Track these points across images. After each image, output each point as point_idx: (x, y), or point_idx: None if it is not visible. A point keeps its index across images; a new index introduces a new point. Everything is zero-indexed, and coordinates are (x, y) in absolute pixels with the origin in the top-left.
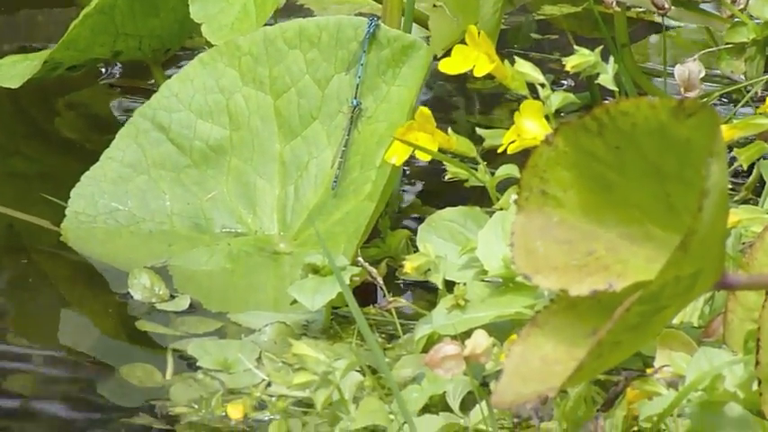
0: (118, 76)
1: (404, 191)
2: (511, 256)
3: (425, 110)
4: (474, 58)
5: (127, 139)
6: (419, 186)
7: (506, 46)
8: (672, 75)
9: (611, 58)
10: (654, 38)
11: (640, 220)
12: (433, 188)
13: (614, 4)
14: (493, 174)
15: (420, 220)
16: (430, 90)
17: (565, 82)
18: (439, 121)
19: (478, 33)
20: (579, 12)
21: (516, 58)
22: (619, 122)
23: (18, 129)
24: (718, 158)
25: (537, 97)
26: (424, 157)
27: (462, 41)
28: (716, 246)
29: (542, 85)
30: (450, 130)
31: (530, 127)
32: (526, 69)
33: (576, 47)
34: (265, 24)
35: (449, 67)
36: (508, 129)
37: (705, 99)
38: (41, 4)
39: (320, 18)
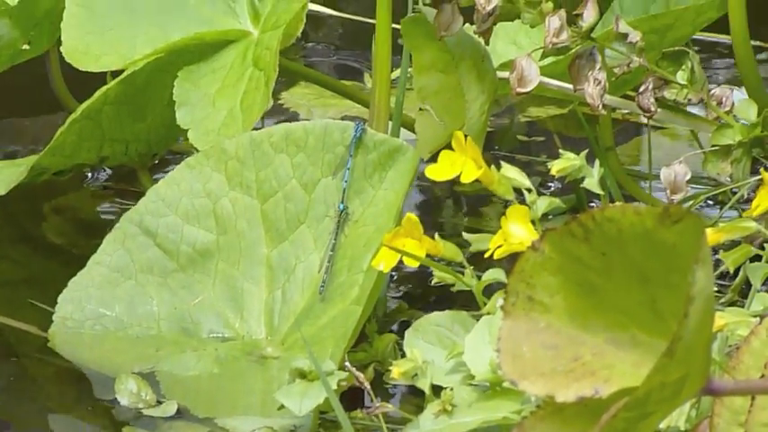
0: (105, 179)
1: (390, 295)
2: (497, 361)
3: (413, 216)
4: (461, 164)
5: (114, 244)
6: (406, 290)
7: (492, 148)
8: (658, 176)
9: (597, 162)
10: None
11: (627, 326)
12: (419, 292)
13: (600, 107)
14: (479, 278)
15: (407, 324)
16: (417, 192)
17: (552, 184)
18: (425, 224)
19: (465, 138)
20: (565, 113)
21: (503, 162)
22: (605, 228)
23: (4, 233)
24: (703, 264)
25: (523, 201)
26: (411, 263)
27: (449, 146)
28: (702, 351)
29: (528, 190)
30: (437, 235)
31: (516, 232)
32: (512, 174)
33: (561, 150)
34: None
35: (436, 173)
36: (495, 231)
37: (691, 202)
38: (28, 112)
39: (307, 122)
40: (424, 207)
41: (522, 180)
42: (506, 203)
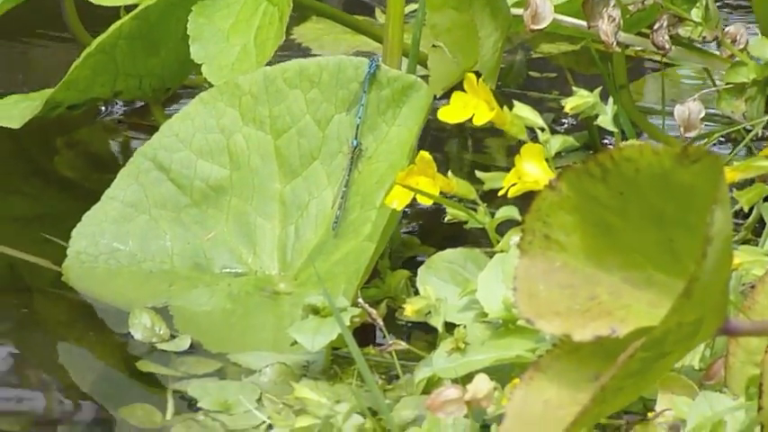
0: (118, 114)
1: (403, 231)
2: (513, 299)
3: (426, 154)
4: (473, 106)
5: (128, 179)
6: (418, 226)
7: (504, 84)
8: (670, 114)
9: (610, 99)
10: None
11: (643, 266)
12: (432, 229)
13: (614, 44)
14: (493, 215)
15: (419, 261)
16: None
17: (564, 121)
18: (436, 160)
19: (477, 79)
20: (577, 50)
21: (515, 101)
22: (622, 168)
23: (17, 168)
24: (721, 205)
25: (536, 139)
26: (425, 201)
27: (461, 85)
28: (719, 292)
29: (542, 129)
30: (449, 173)
31: (530, 170)
32: (525, 113)
33: (574, 87)
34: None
35: (448, 115)
36: (503, 166)
37: (705, 140)
38: (41, 45)
39: (321, 58)
40: (434, 143)
41: (535, 119)
42: (519, 141)
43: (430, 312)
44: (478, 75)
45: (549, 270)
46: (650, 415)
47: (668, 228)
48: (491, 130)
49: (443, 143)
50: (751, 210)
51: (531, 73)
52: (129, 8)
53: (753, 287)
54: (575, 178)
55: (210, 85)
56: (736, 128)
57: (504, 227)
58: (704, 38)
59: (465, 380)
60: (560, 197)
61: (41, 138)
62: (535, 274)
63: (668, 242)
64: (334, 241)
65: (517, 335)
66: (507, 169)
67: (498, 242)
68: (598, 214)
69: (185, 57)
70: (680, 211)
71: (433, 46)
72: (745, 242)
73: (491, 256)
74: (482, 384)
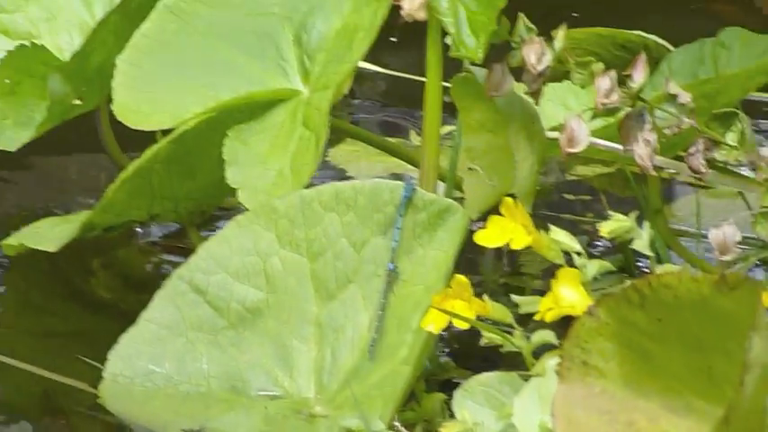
0: (154, 235)
1: (439, 354)
2: (551, 425)
3: (462, 278)
4: (511, 230)
5: (164, 301)
6: (454, 349)
7: (539, 207)
8: (706, 237)
9: (645, 223)
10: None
11: (682, 392)
12: (468, 351)
13: (650, 168)
14: (528, 339)
15: (455, 384)
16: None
17: (599, 243)
18: (471, 282)
19: (514, 203)
20: (611, 171)
21: (551, 226)
22: (661, 295)
23: (54, 289)
24: (760, 332)
25: (572, 262)
26: (460, 325)
27: (497, 208)
28: (758, 419)
29: (578, 254)
30: (485, 297)
31: (567, 295)
32: (562, 238)
33: (610, 212)
34: None
35: (486, 239)
36: (537, 288)
37: (741, 264)
38: (77, 165)
39: (356, 182)
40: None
41: (572, 243)
42: (555, 264)
43: None
44: (514, 197)
45: (587, 396)
46: None
47: (707, 354)
48: (526, 251)
49: (479, 265)
50: None
51: (566, 195)
52: (165, 132)
53: None
54: (613, 305)
55: (246, 207)
56: None
57: (541, 350)
58: (740, 161)
59: None
60: (599, 323)
61: (78, 259)
62: (573, 400)
63: (707, 368)
64: (371, 364)
65: None
66: (543, 292)
67: (534, 366)
68: (636, 340)
69: (221, 180)
70: (719, 337)
71: (469, 169)
72: None
73: (527, 380)
74: None
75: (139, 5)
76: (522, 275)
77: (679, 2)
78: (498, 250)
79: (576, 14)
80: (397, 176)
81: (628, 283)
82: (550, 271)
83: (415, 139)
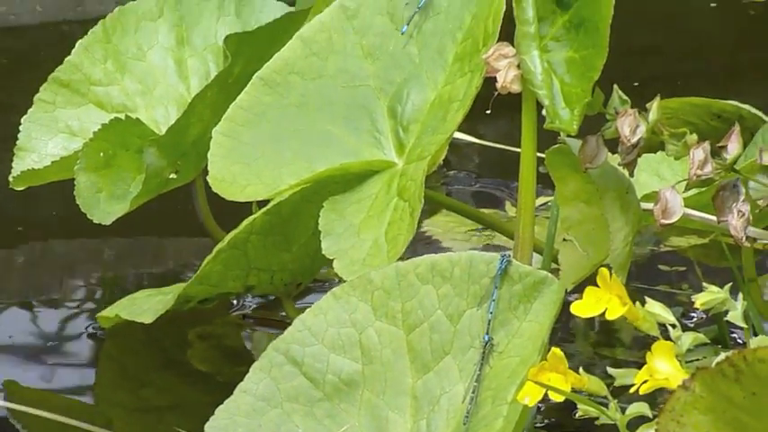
0: (250, 306)
1: (535, 425)
2: None
3: (558, 351)
4: (606, 301)
5: (260, 373)
6: (550, 421)
7: (634, 278)
8: None
9: (740, 294)
10: None
11: None
12: (564, 423)
13: (743, 239)
14: (623, 411)
15: None
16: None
17: (694, 315)
18: (566, 353)
19: (610, 274)
20: (706, 242)
21: (647, 298)
22: (756, 369)
23: (150, 360)
24: None
25: (666, 334)
26: (556, 397)
27: (593, 279)
28: None
29: (673, 326)
30: (581, 369)
31: (662, 368)
32: (657, 310)
33: (704, 284)
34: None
35: (581, 310)
36: (632, 360)
37: None
38: (169, 232)
39: (452, 254)
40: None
41: (667, 316)
42: (650, 336)
43: None
44: (609, 268)
45: None
46: None
47: None
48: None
49: (574, 336)
50: None
51: (661, 266)
52: (261, 203)
53: None
54: (708, 379)
55: (341, 280)
56: None
57: (636, 422)
58: None
59: None
60: (694, 397)
61: (174, 330)
62: None
63: None
64: None
65: None
66: (638, 364)
67: None
68: (731, 414)
69: (316, 251)
70: None
71: (564, 239)
72: None
73: None
74: None
75: (236, 79)
76: (616, 346)
77: None
78: (591, 321)
79: (673, 83)
80: (492, 248)
81: (722, 355)
82: (644, 341)
83: (509, 210)
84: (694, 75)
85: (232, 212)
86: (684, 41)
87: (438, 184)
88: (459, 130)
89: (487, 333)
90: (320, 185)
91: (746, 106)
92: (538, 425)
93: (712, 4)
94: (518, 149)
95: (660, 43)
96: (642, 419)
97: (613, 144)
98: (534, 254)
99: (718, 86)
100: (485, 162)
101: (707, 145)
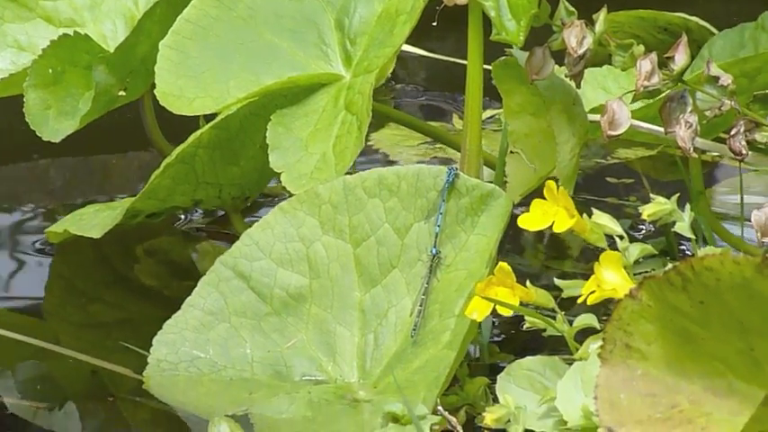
0: (197, 221)
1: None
2: (594, 408)
3: (505, 265)
4: (553, 214)
5: (208, 288)
6: (497, 334)
7: (581, 190)
8: (749, 219)
9: (688, 206)
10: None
11: (724, 374)
12: (510, 336)
13: (691, 150)
14: (571, 323)
15: (498, 368)
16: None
17: (642, 226)
18: (512, 264)
19: (557, 187)
20: (653, 154)
21: (594, 209)
22: (703, 278)
23: (99, 276)
24: None
25: (614, 245)
26: (504, 312)
27: (540, 191)
28: None
29: (621, 237)
30: (528, 283)
31: (610, 278)
32: (604, 222)
33: (652, 195)
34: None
35: (528, 223)
36: (578, 271)
37: None
38: (117, 148)
39: (399, 167)
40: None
41: (614, 227)
42: (598, 249)
43: (509, 420)
44: (556, 181)
45: (629, 379)
46: None
47: (749, 336)
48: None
49: (521, 248)
50: None
51: (608, 178)
52: (208, 118)
53: None
54: (655, 288)
55: (290, 194)
56: None
57: (583, 334)
58: None
59: None
60: (641, 306)
61: (122, 246)
62: (616, 383)
63: (749, 351)
64: (414, 349)
65: None
66: (585, 275)
67: (577, 350)
68: (679, 323)
69: (264, 165)
70: (761, 319)
71: (511, 152)
72: None
73: (570, 364)
74: None
75: None
76: (564, 258)
77: None
78: (540, 233)
79: None
80: (440, 160)
81: (670, 265)
82: (592, 253)
83: (457, 123)
84: None
85: (180, 126)
86: None
87: (386, 98)
88: (407, 43)
89: (435, 246)
90: (267, 99)
91: (694, 18)
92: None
93: None
94: (465, 62)
95: None
96: (590, 331)
97: (560, 56)
98: (485, 168)
99: (665, 0)
100: (432, 75)
101: (654, 56)
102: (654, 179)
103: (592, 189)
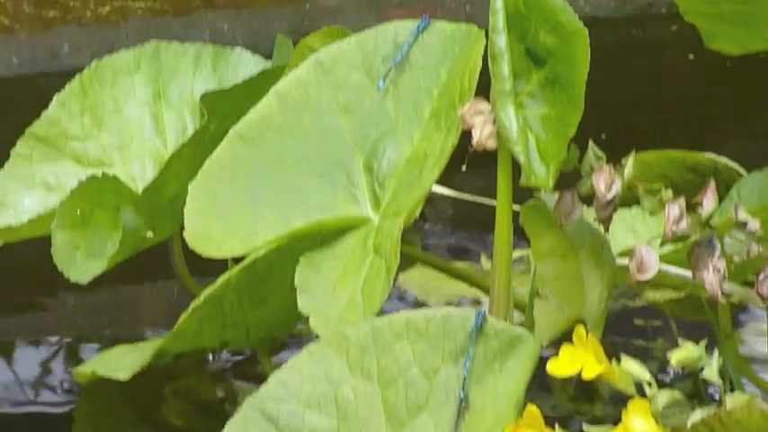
0: (226, 361)
1: None
2: None
3: (534, 408)
4: (582, 360)
5: (236, 429)
6: None
7: (609, 333)
8: None
9: (716, 351)
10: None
11: None
12: None
13: (719, 295)
14: None
15: None
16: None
17: (670, 370)
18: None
19: (586, 332)
20: (681, 297)
21: (622, 355)
22: (731, 430)
23: (125, 416)
24: None
25: (644, 392)
26: None
27: (568, 335)
28: None
29: (649, 384)
30: (557, 426)
31: (637, 425)
32: (632, 368)
33: (680, 339)
34: None
35: (557, 368)
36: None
37: None
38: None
39: (427, 311)
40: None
41: (643, 374)
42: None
43: None
44: (584, 324)
45: None
46: None
47: None
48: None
49: (551, 391)
50: None
51: (636, 321)
52: (237, 259)
53: None
54: None
55: (318, 336)
56: None
57: None
58: None
59: None
60: None
61: (149, 385)
62: None
63: None
64: None
65: None
66: (616, 420)
67: None
68: None
69: (292, 307)
70: None
71: (538, 295)
72: None
73: None
74: None
75: (213, 137)
76: (594, 402)
77: (753, 124)
78: (569, 379)
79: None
80: (470, 302)
81: (698, 415)
82: (622, 396)
83: (485, 263)
84: (669, 126)
85: (208, 261)
86: (660, 94)
87: (413, 238)
88: (436, 182)
89: (462, 389)
90: (296, 241)
91: (723, 159)
92: None
93: (690, 56)
94: (494, 203)
95: (636, 96)
96: None
97: (589, 199)
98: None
99: (692, 138)
100: (460, 215)
101: (682, 201)
102: (682, 322)
103: (620, 331)
